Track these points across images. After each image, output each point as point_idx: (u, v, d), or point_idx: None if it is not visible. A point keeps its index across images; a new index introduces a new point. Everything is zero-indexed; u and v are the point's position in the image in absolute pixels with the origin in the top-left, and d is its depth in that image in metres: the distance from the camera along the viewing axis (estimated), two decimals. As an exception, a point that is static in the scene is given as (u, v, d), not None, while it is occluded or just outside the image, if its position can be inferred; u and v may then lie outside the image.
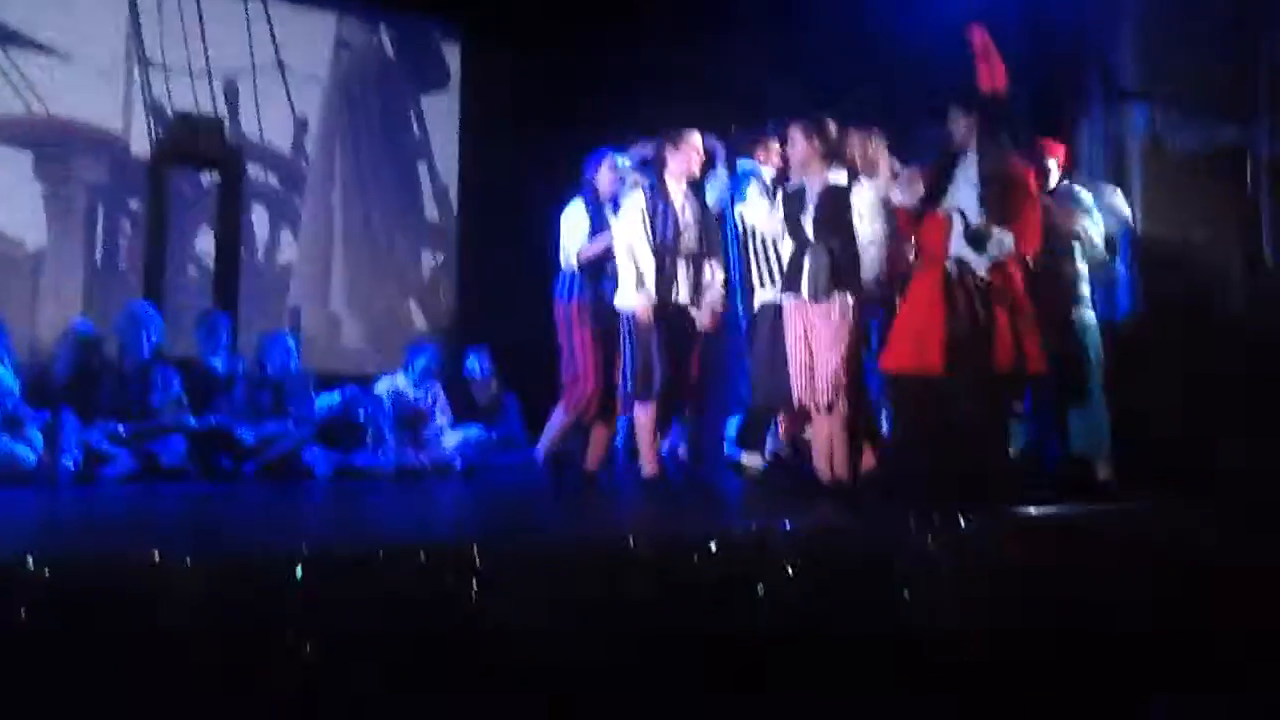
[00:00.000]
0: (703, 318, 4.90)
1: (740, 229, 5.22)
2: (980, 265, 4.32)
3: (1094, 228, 4.87)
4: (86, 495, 4.78)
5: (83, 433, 5.27)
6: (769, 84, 6.49)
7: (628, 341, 4.86)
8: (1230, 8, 5.79)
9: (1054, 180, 4.97)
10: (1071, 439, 4.77)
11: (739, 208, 5.02)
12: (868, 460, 4.87)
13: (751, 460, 5.35)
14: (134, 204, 7.11)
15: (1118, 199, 5.22)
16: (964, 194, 4.38)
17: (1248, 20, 5.66)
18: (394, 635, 2.63)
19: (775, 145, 5.17)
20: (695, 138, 4.94)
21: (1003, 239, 4.32)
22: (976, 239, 4.33)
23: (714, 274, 4.95)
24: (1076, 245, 4.84)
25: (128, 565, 2.53)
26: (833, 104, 5.07)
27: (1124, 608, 3.49)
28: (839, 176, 4.54)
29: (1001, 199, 4.33)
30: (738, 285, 5.18)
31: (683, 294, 4.87)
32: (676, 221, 4.85)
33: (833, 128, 4.60)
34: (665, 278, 4.82)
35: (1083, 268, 4.86)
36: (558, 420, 5.23)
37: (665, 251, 4.82)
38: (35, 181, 6.86)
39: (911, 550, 3.29)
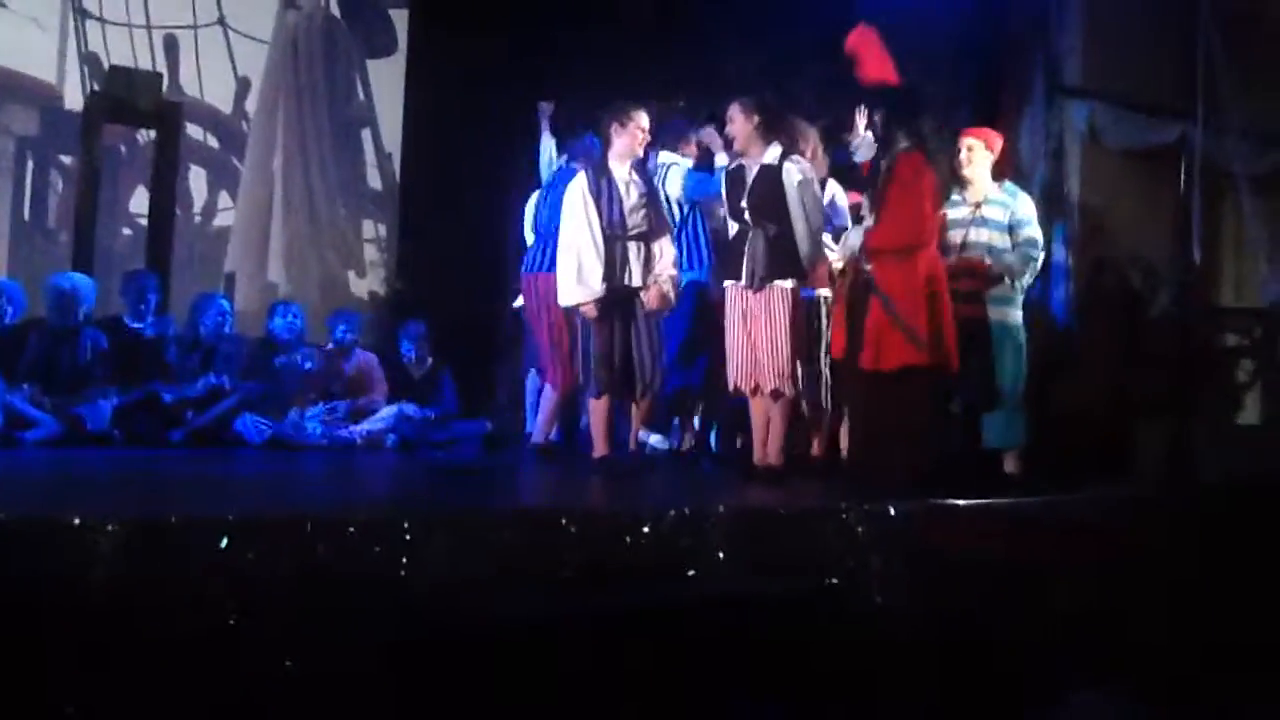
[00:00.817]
0: (650, 298, 4.64)
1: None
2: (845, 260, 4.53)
3: (1024, 229, 4.80)
4: (5, 458, 4.65)
5: (5, 394, 5.14)
6: (721, 60, 6.47)
7: (579, 334, 4.73)
8: (1171, 8, 5.89)
9: (967, 170, 4.80)
10: (985, 434, 4.71)
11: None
12: (816, 448, 4.91)
13: (658, 442, 5.36)
14: (66, 159, 6.92)
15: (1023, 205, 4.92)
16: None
17: (1187, 21, 5.77)
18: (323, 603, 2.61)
19: (694, 139, 5.19)
20: (642, 117, 4.78)
21: (848, 236, 4.44)
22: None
23: (664, 253, 4.71)
24: (998, 246, 4.74)
25: (45, 528, 2.48)
26: (779, 84, 5.07)
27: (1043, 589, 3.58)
28: (775, 155, 4.45)
29: (882, 192, 4.33)
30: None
31: (635, 277, 4.65)
32: (622, 203, 4.64)
33: (773, 105, 4.53)
34: (616, 262, 4.60)
35: (1013, 266, 4.76)
36: (549, 401, 5.18)
37: (614, 235, 4.61)
38: (-39, 132, 6.68)
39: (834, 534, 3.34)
